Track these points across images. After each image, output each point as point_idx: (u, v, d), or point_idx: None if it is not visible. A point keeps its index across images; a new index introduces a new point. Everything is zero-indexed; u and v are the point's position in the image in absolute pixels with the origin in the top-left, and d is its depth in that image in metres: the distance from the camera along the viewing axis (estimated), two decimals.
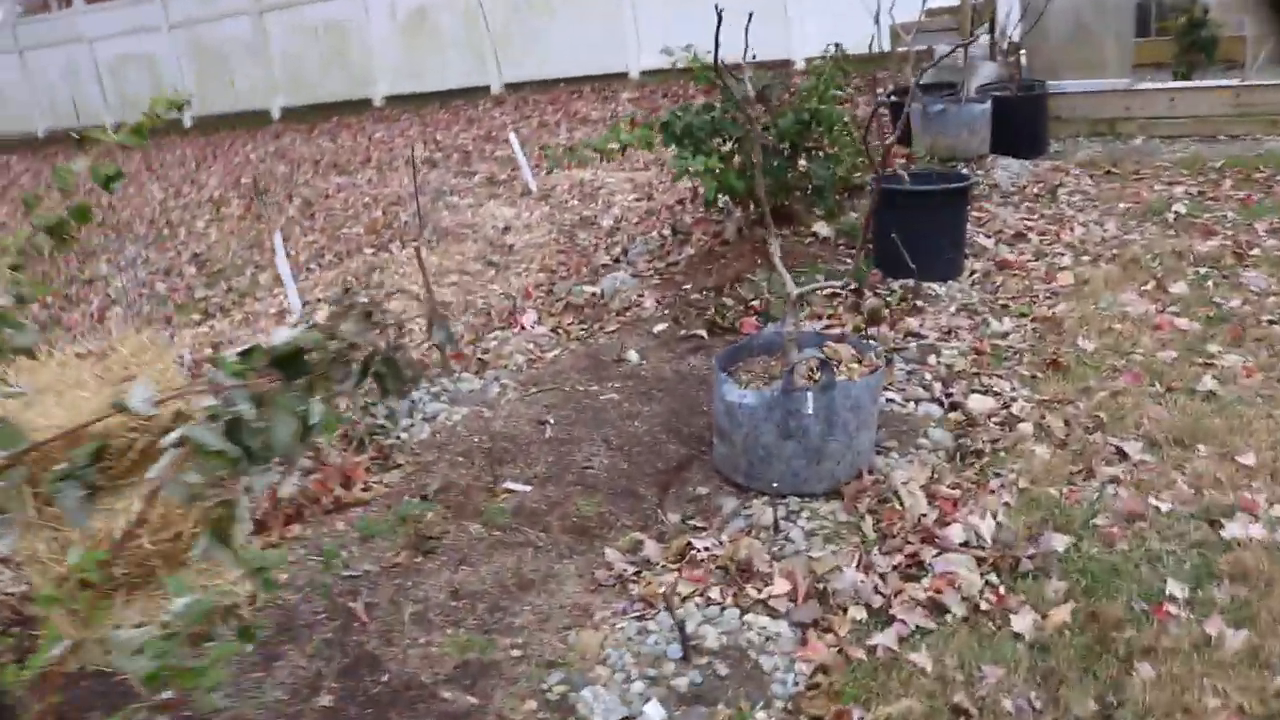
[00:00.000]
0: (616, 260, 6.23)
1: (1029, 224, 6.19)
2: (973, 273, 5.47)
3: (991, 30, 9.54)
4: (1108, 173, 7.23)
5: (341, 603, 3.16)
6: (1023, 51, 8.34)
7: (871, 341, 4.24)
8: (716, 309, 4.83)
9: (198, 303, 6.94)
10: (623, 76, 14.21)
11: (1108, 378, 4.20)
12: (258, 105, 16.56)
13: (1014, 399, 4.10)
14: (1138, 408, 3.92)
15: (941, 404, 4.11)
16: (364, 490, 3.80)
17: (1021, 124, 7.83)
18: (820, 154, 6.10)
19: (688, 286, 5.47)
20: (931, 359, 4.46)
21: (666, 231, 6.48)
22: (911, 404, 4.11)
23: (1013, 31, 8.80)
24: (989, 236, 5.98)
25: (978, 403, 4.07)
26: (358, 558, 3.39)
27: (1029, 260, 5.63)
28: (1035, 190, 6.88)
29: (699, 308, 5.05)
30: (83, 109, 17.34)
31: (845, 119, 6.34)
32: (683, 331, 4.78)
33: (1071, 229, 6.06)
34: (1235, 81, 7.98)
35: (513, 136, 8.53)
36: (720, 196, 5.59)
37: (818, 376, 3.48)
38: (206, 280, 7.61)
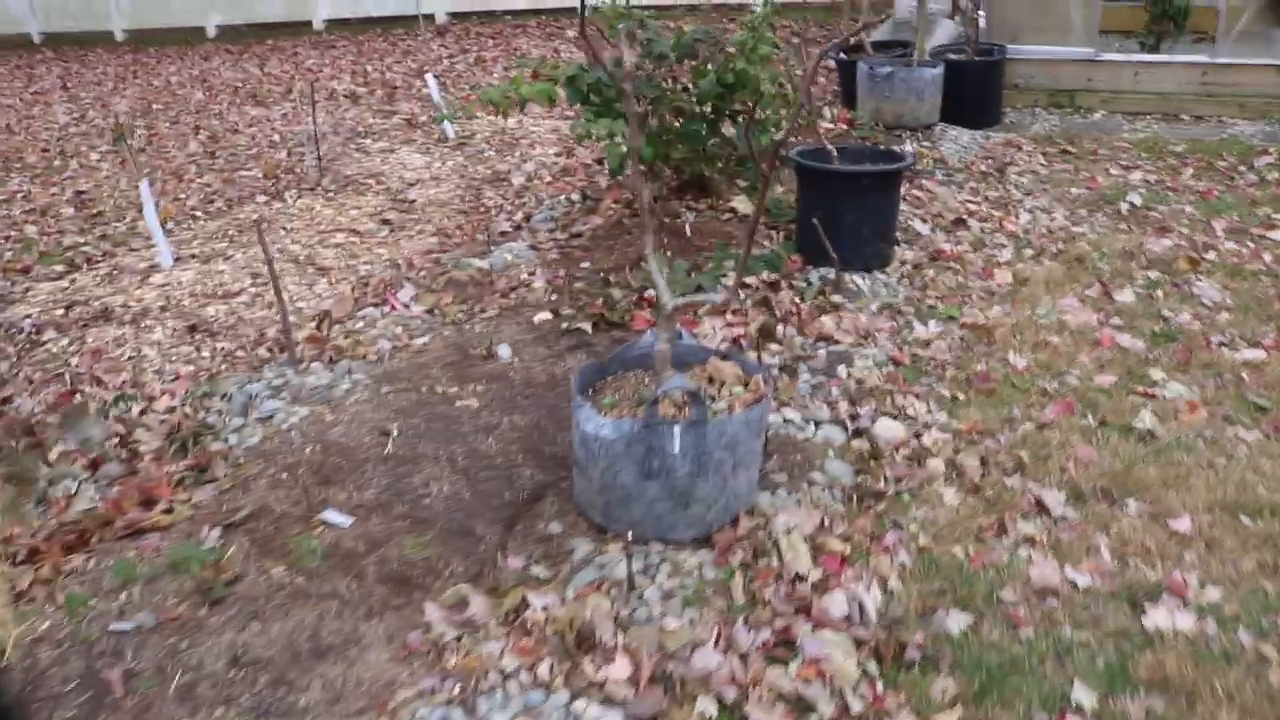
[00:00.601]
0: (518, 227, 5.65)
1: (971, 207, 5.67)
2: (903, 263, 4.95)
3: None
4: (1063, 151, 6.72)
5: (99, 668, 2.63)
6: (982, 12, 7.76)
7: (765, 356, 3.72)
8: (605, 300, 4.28)
9: (64, 251, 6.28)
10: (571, 12, 13.46)
11: (1036, 405, 3.71)
12: (194, 21, 15.62)
13: (928, 426, 3.60)
14: (1065, 446, 3.44)
15: (845, 428, 3.60)
16: (166, 512, 3.25)
17: (975, 91, 7.29)
18: (744, 120, 5.52)
19: (586, 265, 4.91)
20: (842, 370, 3.94)
21: (577, 196, 5.89)
22: (811, 426, 3.60)
23: None
24: (926, 221, 5.46)
25: (886, 429, 3.57)
26: (136, 605, 2.85)
27: (966, 251, 5.12)
28: (983, 168, 6.36)
29: (589, 295, 4.49)
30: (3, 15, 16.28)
31: (778, 80, 5.74)
32: (565, 325, 4.23)
33: (1017, 216, 5.56)
34: (1203, 59, 7.46)
35: (430, 79, 7.85)
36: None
37: (687, 410, 2.95)
38: (83, 224, 6.94)
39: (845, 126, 6.89)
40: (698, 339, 3.81)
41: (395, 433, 3.56)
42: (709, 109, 5.27)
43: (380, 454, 3.44)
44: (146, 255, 5.87)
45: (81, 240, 6.43)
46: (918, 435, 3.55)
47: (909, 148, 6.38)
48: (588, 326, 4.18)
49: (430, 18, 14.54)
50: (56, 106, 11.12)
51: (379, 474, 3.33)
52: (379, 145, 7.94)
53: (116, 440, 3.71)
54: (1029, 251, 5.12)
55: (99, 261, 6.03)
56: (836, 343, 4.17)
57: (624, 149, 4.98)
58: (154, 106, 10.49)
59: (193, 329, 4.72)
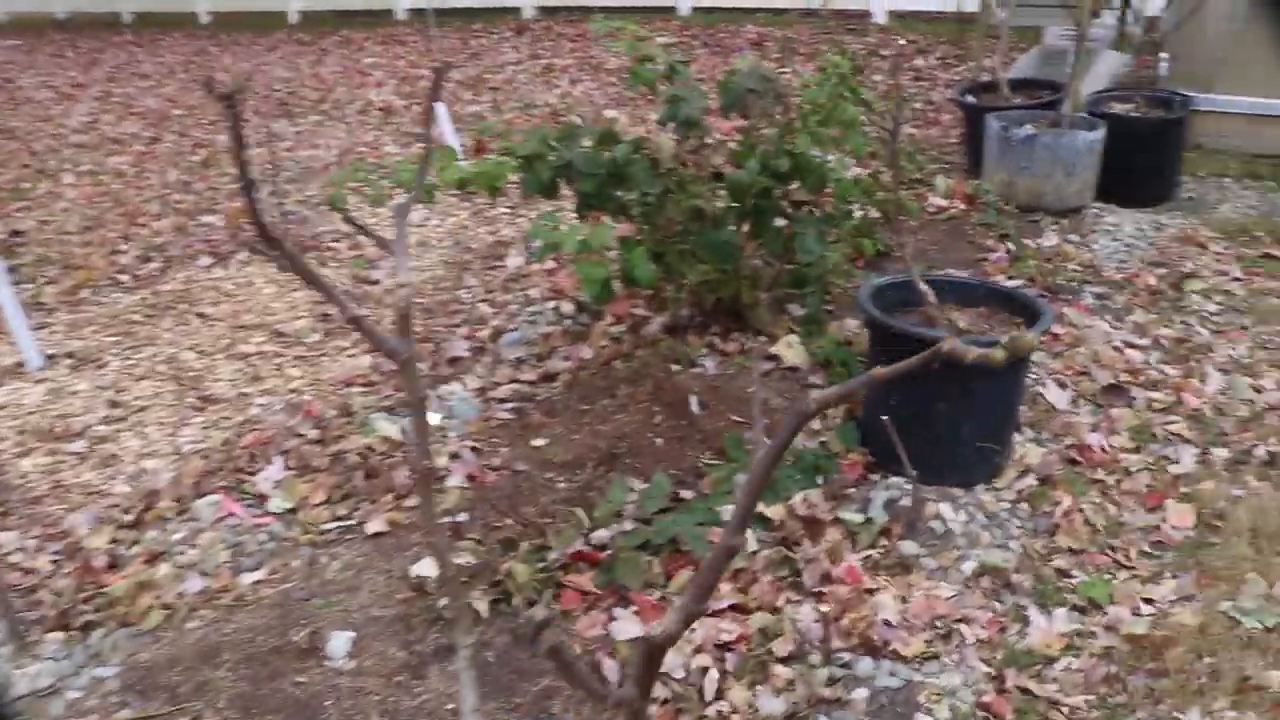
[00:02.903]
0: (479, 349, 4.07)
1: (1134, 359, 3.85)
2: (1022, 472, 3.20)
3: (1124, 8, 6.97)
4: (1267, 256, 4.81)
5: None
6: (1163, 55, 5.80)
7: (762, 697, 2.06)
8: (511, 564, 2.63)
9: None
10: (668, 12, 11.80)
11: None
12: (276, 6, 14.49)
13: None
14: None
15: None
16: None
17: (1145, 158, 5.38)
18: (813, 212, 3.82)
19: (540, 443, 3.30)
20: None
21: (571, 307, 4.27)
22: None
23: (1155, 12, 6.28)
24: (1064, 384, 3.67)
25: None
26: None
27: (1123, 452, 3.33)
28: (1151, 280, 4.50)
29: (514, 524, 2.88)
30: None
31: (865, 150, 4.02)
32: (446, 600, 2.62)
33: (1203, 378, 3.72)
34: None
35: (441, 109, 6.32)
36: (608, 291, 3.38)
37: None
38: None
39: (963, 206, 5.09)
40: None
41: None
42: (749, 204, 3.60)
43: None
44: (14, 351, 4.48)
45: None
46: None
47: (1045, 304, 4.55)
48: (483, 606, 2.56)
49: (516, 11, 13.05)
50: (81, 104, 9.96)
51: None
52: (381, 183, 6.43)
53: None
54: (1222, 453, 3.31)
55: None
56: (892, 653, 2.48)
57: (606, 270, 3.35)
58: (174, 111, 9.23)
59: None
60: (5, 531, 3.19)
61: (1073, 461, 3.27)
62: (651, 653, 1.04)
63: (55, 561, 3.00)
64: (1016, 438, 3.33)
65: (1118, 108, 5.57)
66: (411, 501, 3.09)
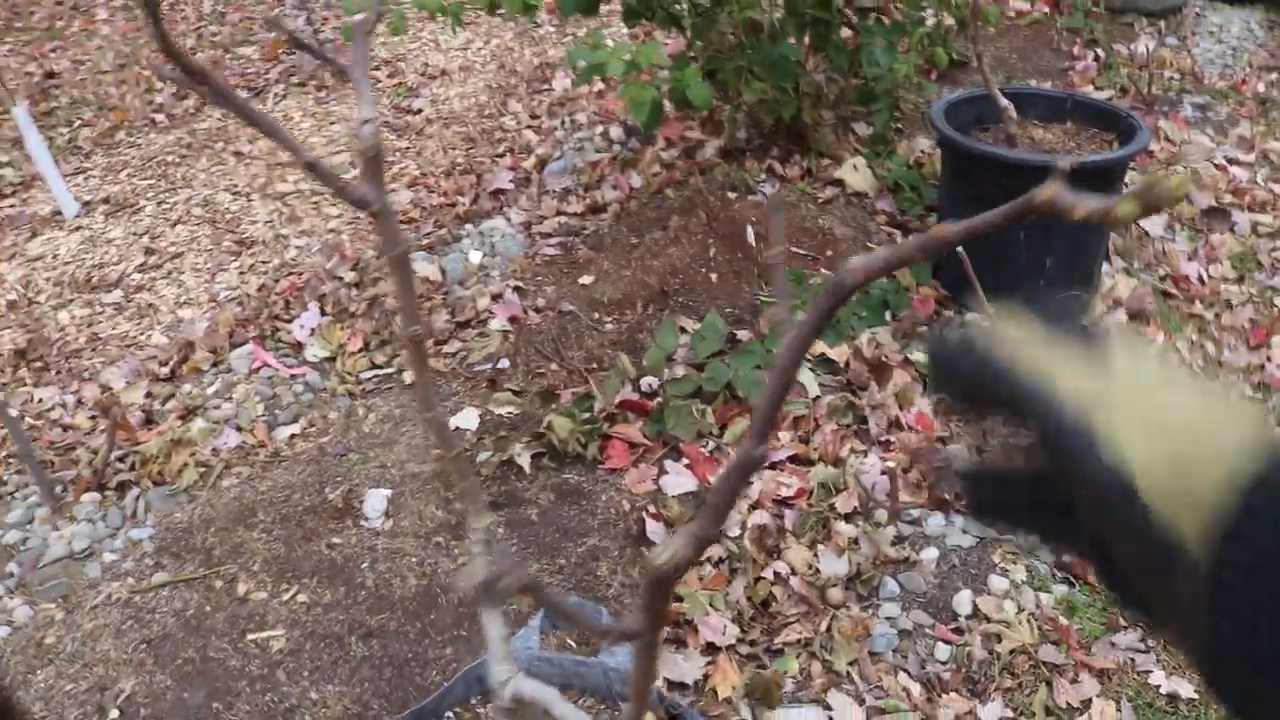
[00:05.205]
0: (524, 181, 3.83)
1: (1239, 176, 3.51)
2: (1111, 306, 2.93)
3: None
4: None
5: None
6: None
7: (823, 561, 1.91)
8: (550, 422, 2.45)
9: None
10: None
11: None
12: None
13: None
14: None
15: None
16: None
17: None
18: (880, 21, 3.45)
19: (587, 281, 3.10)
20: (963, 598, 2.10)
21: (620, 131, 3.99)
22: None
23: None
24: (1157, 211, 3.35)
25: None
26: None
27: (1223, 283, 3.04)
28: (1261, 88, 4.07)
29: (557, 369, 2.71)
30: None
31: None
32: (490, 454, 2.46)
33: None
34: None
35: None
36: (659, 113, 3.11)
37: None
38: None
39: (1046, 9, 4.63)
40: None
41: (116, 714, 1.98)
42: (806, 16, 3.25)
43: None
44: (39, 197, 4.35)
45: (4, 159, 4.94)
46: None
47: (1139, 115, 4.13)
48: (525, 461, 2.41)
49: None
50: None
51: None
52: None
53: None
54: None
55: (4, 197, 4.55)
56: (960, 512, 2.30)
57: (655, 92, 3.06)
58: None
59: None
60: (44, 387, 3.11)
61: (1167, 295, 3.00)
62: (659, 581, 0.84)
63: (93, 418, 2.91)
64: (1105, 268, 3.05)
65: None
66: (452, 348, 2.93)
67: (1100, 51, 4.27)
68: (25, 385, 3.14)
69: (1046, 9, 4.63)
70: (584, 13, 3.04)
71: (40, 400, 3.05)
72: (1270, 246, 3.15)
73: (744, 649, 2.03)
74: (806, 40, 3.34)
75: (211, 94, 1.07)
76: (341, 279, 3.32)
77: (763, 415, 0.83)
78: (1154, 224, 3.25)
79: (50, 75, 5.85)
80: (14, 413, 2.98)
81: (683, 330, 2.79)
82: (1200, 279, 3.02)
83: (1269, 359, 2.72)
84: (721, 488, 0.84)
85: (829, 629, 2.06)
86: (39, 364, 3.26)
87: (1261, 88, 4.05)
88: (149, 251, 3.79)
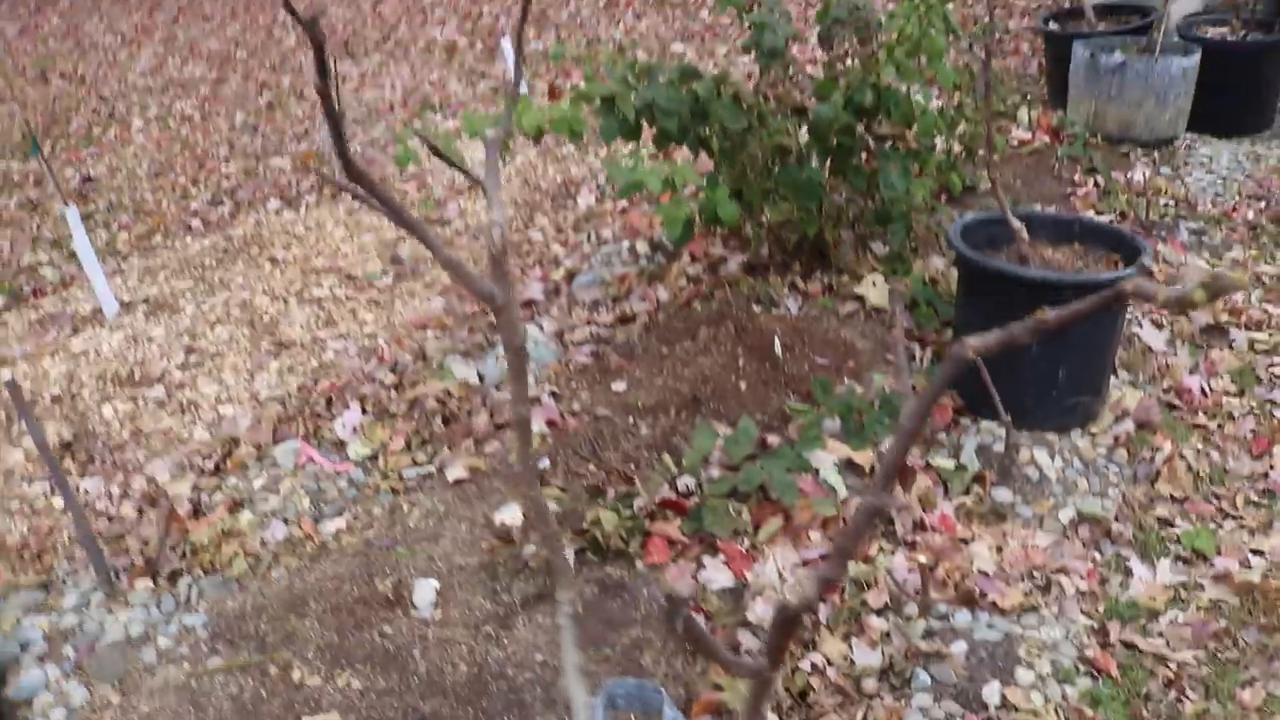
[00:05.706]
0: (554, 292, 4.01)
1: (1233, 298, 3.69)
2: (1119, 417, 3.08)
3: None
4: None
5: None
6: None
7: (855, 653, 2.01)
8: (598, 512, 2.58)
9: (16, 274, 4.99)
10: None
11: None
12: None
13: None
14: None
15: None
16: None
17: (1242, 85, 5.14)
18: (896, 148, 3.67)
19: (620, 389, 3.24)
20: (990, 691, 2.19)
21: (646, 246, 4.18)
22: None
23: None
24: (1159, 323, 3.53)
25: None
26: None
27: (1227, 394, 3.20)
28: (1250, 215, 4.30)
29: (595, 469, 2.83)
30: None
31: (957, 82, 3.88)
32: (536, 548, 2.58)
33: None
34: None
35: (507, 45, 6.20)
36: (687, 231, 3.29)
37: None
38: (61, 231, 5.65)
39: (1047, 139, 4.90)
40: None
41: None
42: (832, 140, 3.47)
43: None
44: (80, 296, 4.52)
45: (44, 258, 5.13)
46: None
47: (1141, 243, 4.37)
48: (570, 554, 2.52)
49: None
50: (146, 48, 9.97)
51: None
52: (446, 125, 6.37)
53: None
54: None
55: (44, 295, 4.72)
56: (990, 605, 2.41)
57: (689, 209, 3.25)
58: (238, 54, 9.20)
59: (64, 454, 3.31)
60: (90, 478, 3.21)
61: (1172, 406, 3.15)
62: (787, 621, 0.97)
63: (140, 509, 3.01)
64: (1112, 380, 3.21)
65: (1212, 31, 5.31)
66: (491, 448, 3.06)
67: (1100, 178, 4.50)
68: (71, 475, 3.25)
69: (1047, 139, 4.89)
70: (627, 138, 3.24)
71: (86, 491, 3.16)
72: (1268, 362, 3.32)
73: None
74: (828, 164, 3.55)
75: (386, 208, 1.23)
76: (380, 381, 3.46)
77: (887, 468, 0.98)
78: (1157, 339, 3.42)
79: (87, 179, 6.09)
80: (59, 503, 3.10)
81: (715, 434, 2.92)
82: (1203, 391, 3.18)
83: (1272, 467, 2.86)
84: (847, 533, 0.97)
85: (865, 718, 2.15)
86: (84, 456, 3.37)
87: (1251, 215, 4.28)
88: (189, 350, 3.93)
